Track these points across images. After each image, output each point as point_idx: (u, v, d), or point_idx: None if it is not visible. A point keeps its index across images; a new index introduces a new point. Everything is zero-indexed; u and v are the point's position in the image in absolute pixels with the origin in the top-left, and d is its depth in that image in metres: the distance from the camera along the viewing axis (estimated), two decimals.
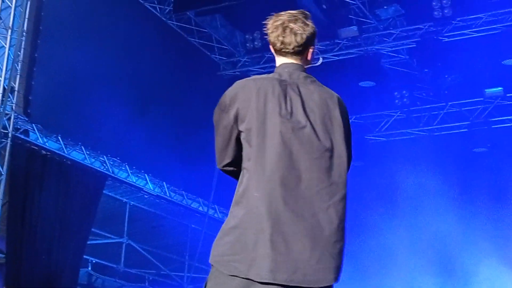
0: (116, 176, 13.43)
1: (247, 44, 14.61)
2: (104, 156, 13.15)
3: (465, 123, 15.38)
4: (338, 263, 3.64)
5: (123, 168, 13.58)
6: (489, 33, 13.46)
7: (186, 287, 15.13)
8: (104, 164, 13.16)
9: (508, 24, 13.18)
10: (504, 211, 14.36)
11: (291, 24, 3.79)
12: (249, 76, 16.41)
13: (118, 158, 13.35)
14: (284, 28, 3.80)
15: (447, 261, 14.53)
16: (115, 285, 14.37)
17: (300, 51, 3.85)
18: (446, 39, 13.66)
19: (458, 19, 13.41)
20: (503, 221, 14.32)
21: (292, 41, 3.81)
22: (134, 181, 13.85)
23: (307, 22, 3.82)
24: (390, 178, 14.83)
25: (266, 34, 3.86)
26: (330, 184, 3.66)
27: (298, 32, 3.79)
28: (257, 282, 3.53)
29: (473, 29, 13.53)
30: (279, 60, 3.90)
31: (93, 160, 12.94)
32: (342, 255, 3.66)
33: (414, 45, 13.87)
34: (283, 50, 3.84)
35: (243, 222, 3.60)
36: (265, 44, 14.41)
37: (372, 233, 14.67)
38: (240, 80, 3.84)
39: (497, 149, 14.77)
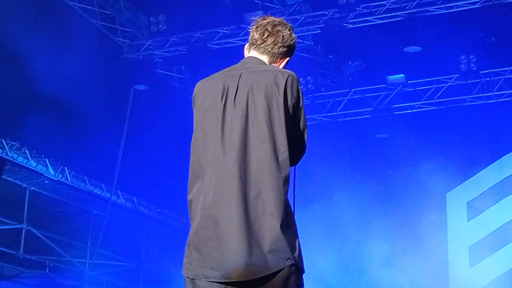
0: (15, 161, 13.09)
1: (151, 27, 14.42)
2: (3, 140, 12.80)
3: (368, 109, 15.62)
4: None
5: (23, 152, 13.25)
6: (392, 20, 13.63)
7: (88, 273, 14.92)
8: (3, 149, 12.81)
9: (410, 11, 13.38)
10: (404, 195, 14.67)
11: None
12: (152, 59, 16.14)
13: (17, 142, 13.02)
14: None
15: (345, 238, 14.85)
16: (14, 272, 14.06)
17: None
18: (350, 26, 13.76)
19: (362, 5, 13.54)
20: (403, 204, 14.64)
21: None
22: (34, 166, 13.53)
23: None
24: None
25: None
26: None
27: None
28: None
29: (377, 16, 13.67)
30: None
31: None
32: None
33: (319, 31, 13.93)
34: None
35: None
36: (170, 27, 14.23)
37: None
38: None
39: (398, 135, 15.04)
